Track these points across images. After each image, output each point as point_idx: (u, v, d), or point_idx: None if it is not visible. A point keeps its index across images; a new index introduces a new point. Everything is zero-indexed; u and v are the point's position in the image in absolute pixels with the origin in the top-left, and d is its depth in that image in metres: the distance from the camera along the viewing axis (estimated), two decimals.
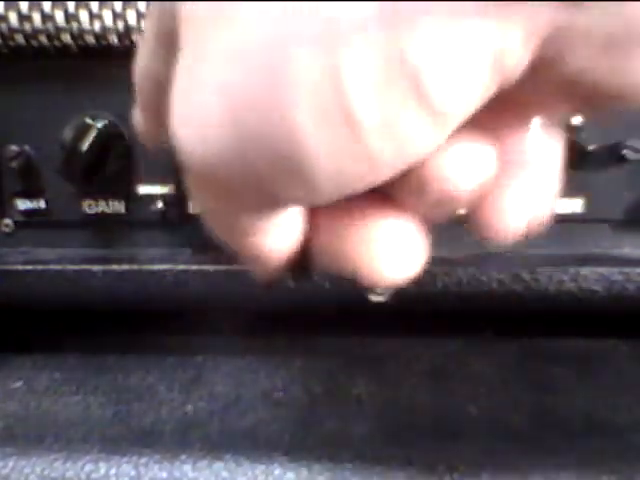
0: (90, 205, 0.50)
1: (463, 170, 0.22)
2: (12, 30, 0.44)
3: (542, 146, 0.24)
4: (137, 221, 0.50)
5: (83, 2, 0.43)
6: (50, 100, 0.48)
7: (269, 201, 0.22)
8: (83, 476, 0.39)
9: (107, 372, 0.50)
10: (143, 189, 0.50)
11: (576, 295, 0.46)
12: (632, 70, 0.19)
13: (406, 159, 0.20)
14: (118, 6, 0.43)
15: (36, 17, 0.44)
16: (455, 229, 0.49)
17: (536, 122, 0.23)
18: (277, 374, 0.49)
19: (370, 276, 0.25)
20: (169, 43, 0.23)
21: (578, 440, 0.41)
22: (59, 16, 0.44)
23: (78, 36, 0.44)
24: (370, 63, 0.18)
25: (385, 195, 0.24)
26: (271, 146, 0.19)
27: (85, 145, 0.45)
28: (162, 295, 0.48)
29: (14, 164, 0.48)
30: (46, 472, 0.40)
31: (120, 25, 0.44)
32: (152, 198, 0.50)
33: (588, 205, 0.48)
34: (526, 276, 0.46)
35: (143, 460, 0.40)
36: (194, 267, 0.47)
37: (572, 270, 0.46)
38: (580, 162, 0.44)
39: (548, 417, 0.43)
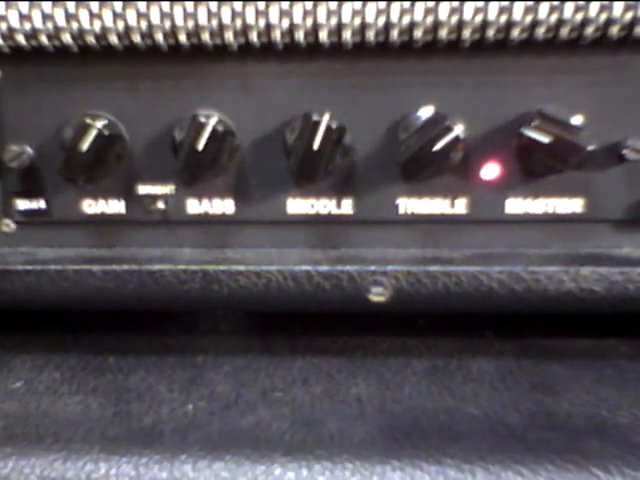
0: (90, 205, 0.50)
1: None
2: (12, 30, 0.44)
3: None
4: (137, 221, 0.50)
5: (83, 2, 0.43)
6: (50, 100, 0.48)
7: None
8: (83, 476, 0.39)
9: (107, 372, 0.50)
10: (143, 189, 0.50)
11: (576, 295, 0.46)
12: None
13: None
14: (118, 6, 0.43)
15: (36, 17, 0.44)
16: (455, 229, 0.49)
17: None
18: (277, 374, 0.49)
19: None
20: None
21: (578, 440, 0.41)
22: (59, 16, 0.44)
23: (78, 36, 0.44)
24: None
25: None
26: None
27: (85, 145, 0.45)
28: (162, 295, 0.48)
29: (14, 164, 0.48)
30: (46, 472, 0.40)
31: (120, 25, 0.44)
32: (152, 198, 0.50)
33: (588, 205, 0.48)
34: (526, 276, 0.46)
35: (143, 460, 0.40)
36: (194, 267, 0.47)
37: (572, 270, 0.46)
38: (580, 162, 0.44)
39: (548, 417, 0.43)
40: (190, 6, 0.43)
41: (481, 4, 0.42)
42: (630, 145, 0.46)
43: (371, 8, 0.43)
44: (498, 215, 0.49)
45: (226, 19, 0.43)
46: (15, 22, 0.44)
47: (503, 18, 0.42)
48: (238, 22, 0.43)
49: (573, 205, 0.48)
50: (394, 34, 0.43)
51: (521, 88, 0.46)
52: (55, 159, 0.47)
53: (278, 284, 0.47)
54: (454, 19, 0.42)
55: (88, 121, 0.46)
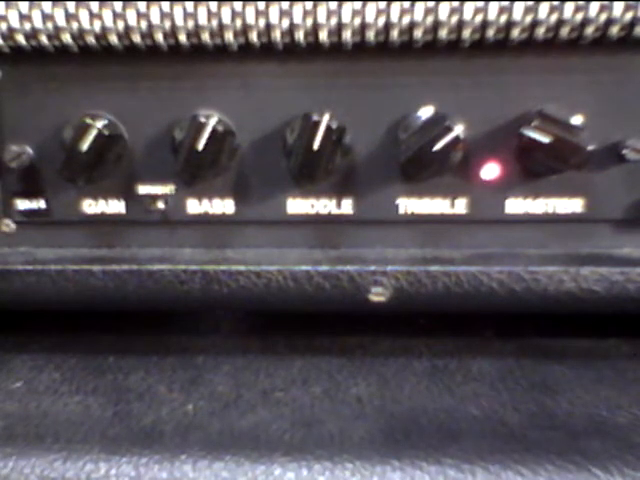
0: (90, 205, 0.50)
1: None
2: (12, 30, 0.44)
3: None
4: (137, 221, 0.50)
5: (83, 2, 0.43)
6: (50, 100, 0.48)
7: None
8: (83, 476, 0.39)
9: (107, 372, 0.50)
10: (143, 189, 0.50)
11: (576, 295, 0.46)
12: None
13: None
14: (118, 6, 0.43)
15: (36, 17, 0.44)
16: (455, 229, 0.49)
17: None
18: (277, 374, 0.49)
19: None
20: None
21: (578, 440, 0.41)
22: (59, 16, 0.44)
23: (78, 36, 0.44)
24: None
25: None
26: None
27: (85, 145, 0.45)
28: (162, 295, 0.48)
29: (14, 164, 0.48)
30: (46, 472, 0.40)
31: (120, 25, 0.44)
32: (152, 198, 0.50)
33: (588, 205, 0.48)
34: (526, 276, 0.46)
35: (143, 460, 0.40)
36: (194, 267, 0.47)
37: (572, 270, 0.46)
38: (580, 162, 0.44)
39: (548, 417, 0.43)
40: (190, 6, 0.43)
41: (481, 4, 0.42)
42: (630, 145, 0.45)
43: (371, 8, 0.43)
44: (498, 215, 0.49)
45: (226, 19, 0.43)
46: (15, 22, 0.44)
47: (503, 18, 0.42)
48: (238, 22, 0.43)
49: (573, 205, 0.48)
50: (394, 34, 0.43)
51: (521, 88, 0.46)
52: (55, 159, 0.47)
53: (278, 284, 0.47)
54: (454, 19, 0.42)
55: (88, 121, 0.46)
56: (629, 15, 0.42)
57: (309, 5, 0.43)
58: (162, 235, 0.51)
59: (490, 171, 0.48)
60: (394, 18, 0.43)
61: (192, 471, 0.39)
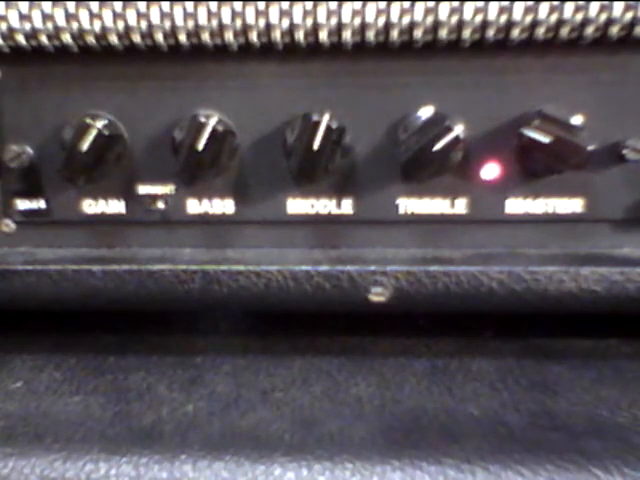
0: (90, 205, 0.50)
1: None
2: (12, 30, 0.44)
3: None
4: (137, 221, 0.50)
5: (83, 2, 0.43)
6: (50, 100, 0.48)
7: None
8: (83, 476, 0.39)
9: (107, 372, 0.50)
10: (143, 189, 0.50)
11: (576, 295, 0.46)
12: None
13: None
14: (118, 6, 0.43)
15: (36, 17, 0.44)
16: (455, 229, 0.49)
17: None
18: (277, 374, 0.49)
19: None
20: None
21: (578, 440, 0.41)
22: (59, 16, 0.44)
23: (78, 36, 0.44)
24: None
25: None
26: None
27: (85, 145, 0.45)
28: (162, 295, 0.48)
29: (14, 164, 0.48)
30: (46, 472, 0.40)
31: (120, 25, 0.44)
32: (152, 198, 0.50)
33: (588, 205, 0.48)
34: (526, 276, 0.46)
35: (143, 460, 0.40)
36: (194, 267, 0.47)
37: (572, 270, 0.46)
38: (580, 162, 0.44)
39: (548, 417, 0.43)
40: (190, 6, 0.43)
41: (481, 4, 0.42)
42: (630, 145, 0.46)
43: (371, 8, 0.43)
44: (498, 215, 0.49)
45: (226, 19, 0.43)
46: (15, 22, 0.44)
47: (503, 18, 0.42)
48: (238, 22, 0.43)
49: (573, 205, 0.48)
50: (394, 34, 0.43)
51: (521, 88, 0.46)
52: (55, 159, 0.47)
53: (278, 284, 0.47)
54: (454, 19, 0.42)
55: (88, 121, 0.46)
56: (629, 15, 0.42)
57: (309, 5, 0.43)
58: (162, 235, 0.51)
59: (490, 171, 0.48)
60: (394, 18, 0.43)
61: (192, 471, 0.39)
